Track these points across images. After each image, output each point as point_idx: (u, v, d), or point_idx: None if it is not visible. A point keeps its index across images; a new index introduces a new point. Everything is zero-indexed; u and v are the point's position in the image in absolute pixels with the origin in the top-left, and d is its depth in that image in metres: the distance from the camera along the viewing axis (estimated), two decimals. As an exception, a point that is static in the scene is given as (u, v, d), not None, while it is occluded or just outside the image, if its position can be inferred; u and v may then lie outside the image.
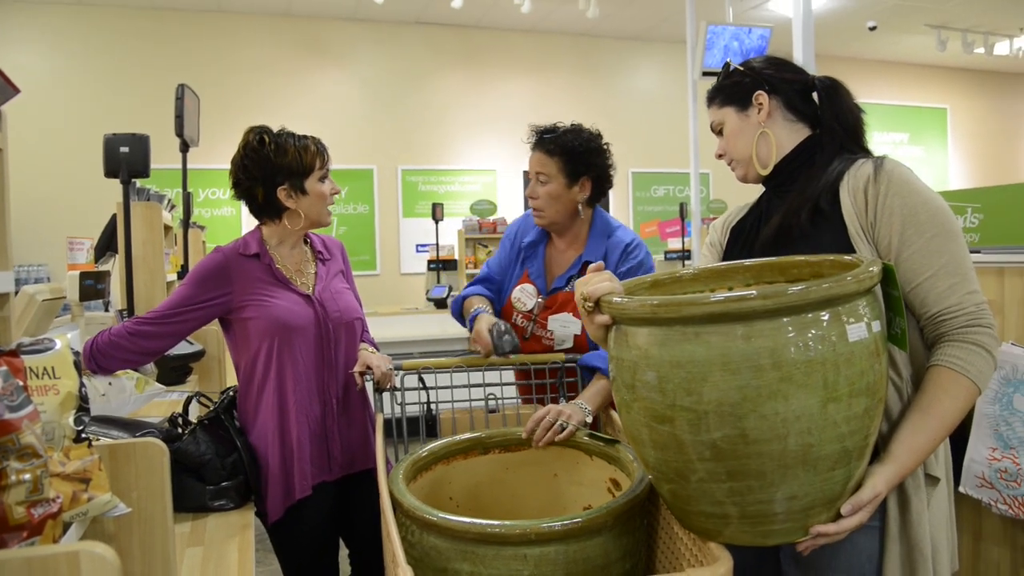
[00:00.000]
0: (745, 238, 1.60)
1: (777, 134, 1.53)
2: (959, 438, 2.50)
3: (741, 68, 1.57)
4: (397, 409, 1.96)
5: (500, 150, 8.66)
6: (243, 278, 1.94)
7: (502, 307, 2.26)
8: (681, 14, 5.72)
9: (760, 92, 1.53)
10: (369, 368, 1.98)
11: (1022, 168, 11.09)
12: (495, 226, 7.77)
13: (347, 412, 2.03)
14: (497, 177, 8.66)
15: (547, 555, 1.23)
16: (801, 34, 3.51)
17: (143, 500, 1.15)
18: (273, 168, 1.94)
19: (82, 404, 1.02)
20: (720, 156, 1.63)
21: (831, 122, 1.52)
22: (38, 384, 0.98)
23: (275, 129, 2.00)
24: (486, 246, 7.78)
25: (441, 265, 7.23)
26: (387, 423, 1.89)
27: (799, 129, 1.54)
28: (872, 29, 8.51)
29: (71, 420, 1.00)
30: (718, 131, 1.61)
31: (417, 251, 8.28)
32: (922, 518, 1.33)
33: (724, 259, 1.62)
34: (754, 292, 1.01)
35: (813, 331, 1.03)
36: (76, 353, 1.04)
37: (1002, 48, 9.25)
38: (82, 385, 1.03)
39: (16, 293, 2.30)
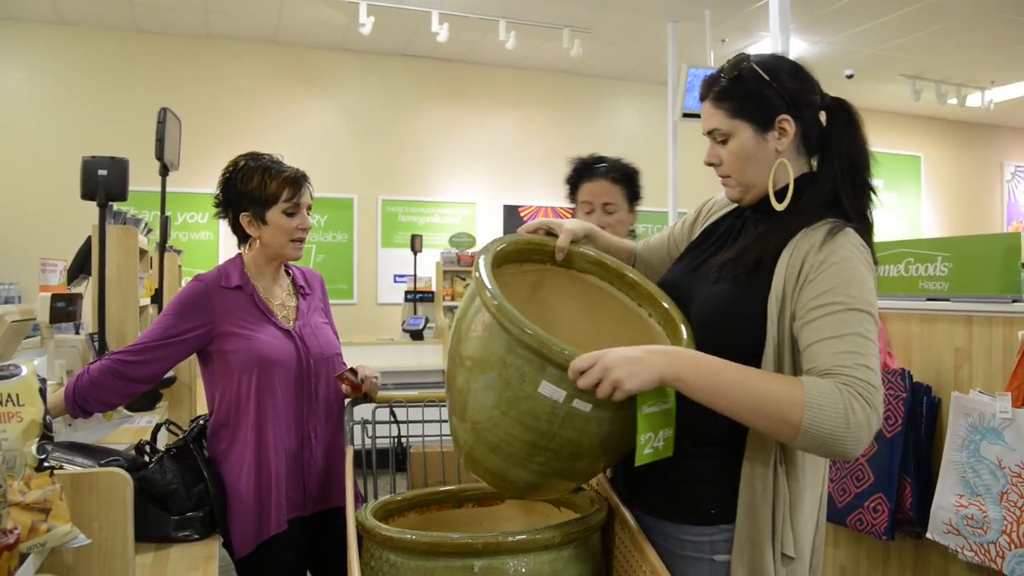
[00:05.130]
0: (705, 248, 1.53)
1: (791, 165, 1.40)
2: (927, 483, 2.52)
3: (767, 77, 1.38)
4: (368, 442, 1.95)
5: (481, 184, 8.70)
6: (224, 309, 1.92)
7: None
8: (663, 56, 5.82)
9: (787, 116, 1.38)
10: (354, 371, 1.97)
11: (991, 218, 11.30)
12: (473, 259, 7.76)
13: (324, 448, 2.01)
14: (477, 210, 8.69)
15: (495, 567, 1.29)
16: (779, 80, 3.58)
17: (104, 531, 1.14)
18: (236, 194, 1.97)
19: (46, 432, 1.00)
20: (713, 165, 1.45)
21: (833, 159, 1.40)
22: (1, 411, 0.97)
23: (269, 154, 2.01)
24: (463, 278, 7.78)
25: (418, 296, 7.21)
26: (357, 455, 1.88)
27: (801, 164, 1.43)
28: (849, 77, 8.68)
29: (34, 448, 0.99)
30: (721, 140, 1.42)
31: (395, 281, 8.26)
32: None
33: (685, 254, 1.57)
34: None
35: None
36: (42, 380, 1.03)
37: (974, 100, 9.46)
38: (47, 413, 1.01)
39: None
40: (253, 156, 2.00)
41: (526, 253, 1.52)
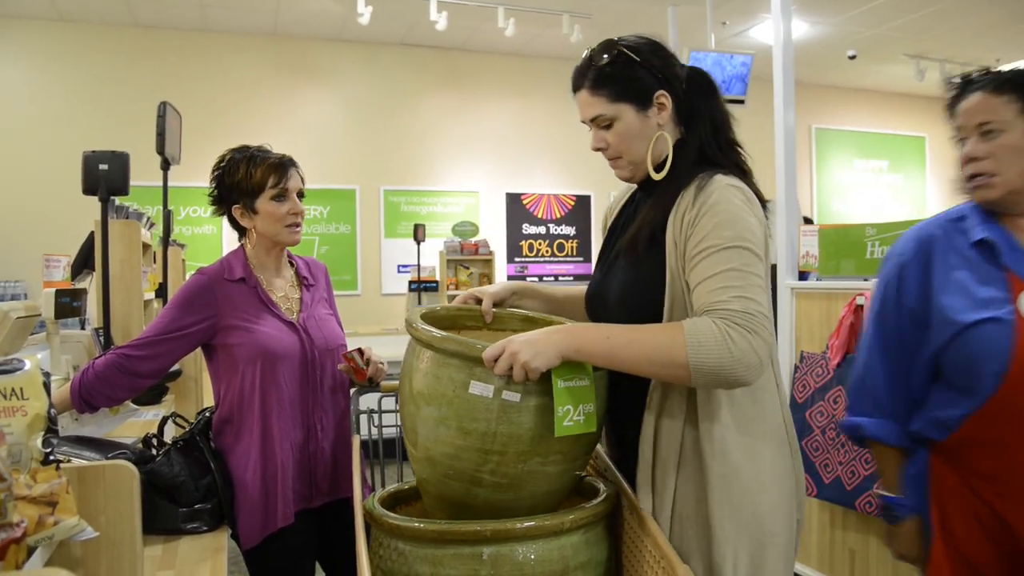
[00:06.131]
0: (614, 240, 1.61)
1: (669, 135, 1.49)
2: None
3: (637, 59, 1.45)
4: (374, 431, 1.95)
5: (483, 172, 8.68)
6: (228, 302, 1.92)
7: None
8: (664, 41, 5.78)
9: (662, 92, 1.46)
10: (360, 350, 1.96)
11: (998, 196, 11.24)
12: (477, 247, 7.78)
13: (331, 440, 2.00)
14: (480, 199, 8.68)
15: (504, 554, 1.30)
16: (782, 61, 3.56)
17: (111, 524, 1.13)
18: (226, 187, 1.97)
19: (51, 426, 1.00)
20: (601, 150, 1.52)
21: (698, 124, 1.49)
22: (5, 405, 0.96)
23: (257, 145, 2.00)
24: (467, 267, 7.78)
25: (422, 286, 7.22)
26: (364, 445, 1.88)
27: (676, 133, 1.51)
28: (852, 58, 8.64)
29: (39, 442, 0.98)
30: (605, 125, 1.48)
31: (398, 271, 8.26)
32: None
33: (602, 252, 1.65)
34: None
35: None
36: (46, 374, 1.02)
37: (979, 79, 9.40)
38: (51, 407, 1.01)
39: (-11, 310, 2.27)
40: (239, 149, 1.99)
41: (459, 320, 1.65)
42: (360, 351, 1.96)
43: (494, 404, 1.31)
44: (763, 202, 1.45)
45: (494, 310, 1.67)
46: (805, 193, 9.81)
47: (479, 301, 1.67)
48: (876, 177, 10.46)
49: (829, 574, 3.05)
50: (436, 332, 1.38)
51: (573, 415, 1.30)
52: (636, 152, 1.49)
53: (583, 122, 1.53)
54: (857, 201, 10.27)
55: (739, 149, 1.52)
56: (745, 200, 1.39)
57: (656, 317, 1.41)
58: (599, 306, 1.58)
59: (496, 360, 1.29)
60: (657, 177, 1.47)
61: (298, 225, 1.99)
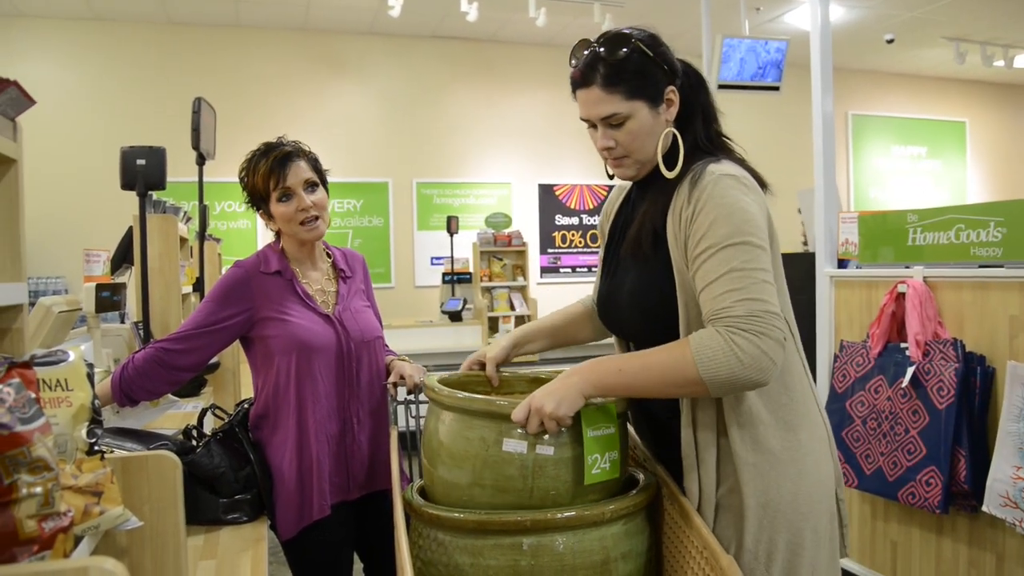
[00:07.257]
0: (615, 242, 1.60)
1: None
2: (982, 456, 2.46)
3: (651, 54, 1.40)
4: (412, 422, 1.96)
5: (515, 163, 8.67)
6: (264, 294, 1.92)
7: None
8: (697, 27, 5.71)
9: (672, 88, 1.43)
10: (402, 378, 1.98)
11: (1042, 182, 10.99)
12: (510, 239, 7.76)
13: (368, 433, 2.00)
14: (512, 190, 8.66)
15: (544, 545, 1.30)
16: (819, 47, 3.49)
17: (155, 513, 1.15)
18: (249, 198, 1.99)
19: (95, 416, 1.01)
20: (609, 149, 1.45)
21: (692, 117, 1.47)
22: (51, 396, 0.97)
23: (273, 140, 1.99)
24: (501, 259, 7.76)
25: (456, 278, 7.23)
26: (401, 436, 1.88)
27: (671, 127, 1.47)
28: (890, 42, 8.46)
29: (84, 432, 0.99)
30: (618, 124, 1.42)
31: (432, 264, 8.28)
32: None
33: (605, 255, 1.63)
34: None
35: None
36: (90, 365, 1.03)
37: (1022, 61, 9.17)
38: (95, 397, 1.02)
39: (33, 305, 2.31)
40: (255, 150, 1.98)
41: (468, 386, 1.66)
42: (395, 384, 1.99)
43: (528, 459, 1.33)
44: (763, 185, 1.42)
45: (503, 373, 1.70)
46: (841, 181, 9.65)
47: (483, 366, 1.70)
48: (914, 164, 10.26)
49: (871, 567, 3.01)
50: (460, 394, 1.40)
51: (600, 462, 1.35)
52: (646, 151, 1.44)
53: (585, 120, 1.47)
54: (895, 188, 10.08)
55: (728, 140, 1.51)
56: (741, 188, 1.35)
57: (670, 314, 1.40)
58: (611, 308, 1.57)
59: (526, 419, 1.31)
60: (670, 175, 1.42)
61: (314, 219, 1.93)
